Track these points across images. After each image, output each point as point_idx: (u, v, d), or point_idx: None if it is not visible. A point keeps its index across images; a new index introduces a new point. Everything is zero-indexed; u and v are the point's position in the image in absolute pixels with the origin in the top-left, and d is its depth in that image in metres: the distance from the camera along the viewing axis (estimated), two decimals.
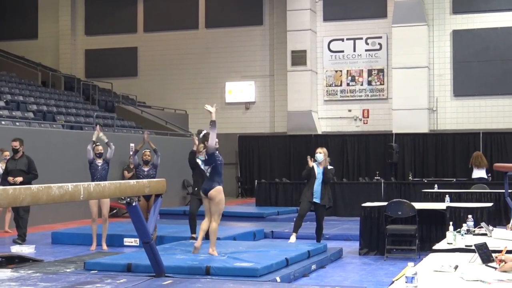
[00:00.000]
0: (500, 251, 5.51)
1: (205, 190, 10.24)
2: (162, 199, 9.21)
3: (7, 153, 14.28)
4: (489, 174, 19.65)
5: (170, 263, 9.32)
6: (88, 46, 31.33)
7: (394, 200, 12.11)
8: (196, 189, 12.29)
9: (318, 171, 12.02)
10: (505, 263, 5.16)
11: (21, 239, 13.28)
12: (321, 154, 12.03)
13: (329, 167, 12.09)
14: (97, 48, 31.02)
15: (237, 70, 29.07)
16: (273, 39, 28.64)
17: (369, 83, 27.23)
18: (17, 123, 17.91)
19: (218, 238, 11.11)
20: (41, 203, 6.86)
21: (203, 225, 10.40)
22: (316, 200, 11.94)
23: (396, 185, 19.92)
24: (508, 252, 5.49)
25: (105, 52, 30.79)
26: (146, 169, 13.10)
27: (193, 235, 12.26)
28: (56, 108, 21.86)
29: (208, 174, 10.27)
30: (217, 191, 10.17)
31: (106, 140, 12.84)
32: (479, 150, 24.00)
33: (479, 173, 19.06)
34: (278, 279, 8.87)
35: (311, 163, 12.06)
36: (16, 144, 13.36)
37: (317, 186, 11.97)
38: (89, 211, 12.60)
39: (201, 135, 10.48)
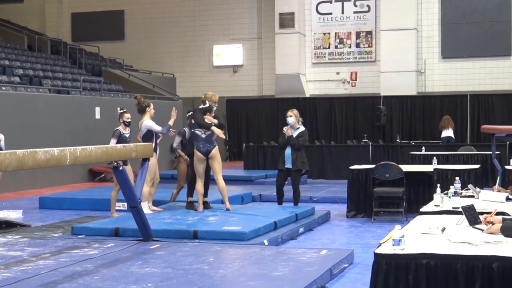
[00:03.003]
0: (487, 213, 5.52)
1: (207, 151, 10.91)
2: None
3: None
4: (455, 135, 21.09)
5: (158, 227, 9.32)
6: (74, 9, 31.02)
7: (382, 162, 12.11)
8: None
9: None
10: (492, 224, 5.17)
11: None
12: (292, 117, 11.69)
13: (302, 128, 11.81)
14: (83, 11, 30.71)
15: (225, 33, 28.89)
16: (260, 1, 28.42)
17: (357, 45, 27.12)
18: (3, 88, 17.76)
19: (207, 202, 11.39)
20: (27, 168, 6.80)
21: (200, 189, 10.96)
22: (288, 165, 11.64)
23: (384, 147, 19.98)
24: (497, 214, 5.50)
25: (91, 15, 30.49)
26: None
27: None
28: (42, 72, 21.68)
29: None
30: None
31: None
32: (467, 112, 24.44)
33: (446, 133, 20.50)
34: (266, 242, 8.89)
35: (290, 132, 11.70)
36: None
37: (288, 151, 11.66)
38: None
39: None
